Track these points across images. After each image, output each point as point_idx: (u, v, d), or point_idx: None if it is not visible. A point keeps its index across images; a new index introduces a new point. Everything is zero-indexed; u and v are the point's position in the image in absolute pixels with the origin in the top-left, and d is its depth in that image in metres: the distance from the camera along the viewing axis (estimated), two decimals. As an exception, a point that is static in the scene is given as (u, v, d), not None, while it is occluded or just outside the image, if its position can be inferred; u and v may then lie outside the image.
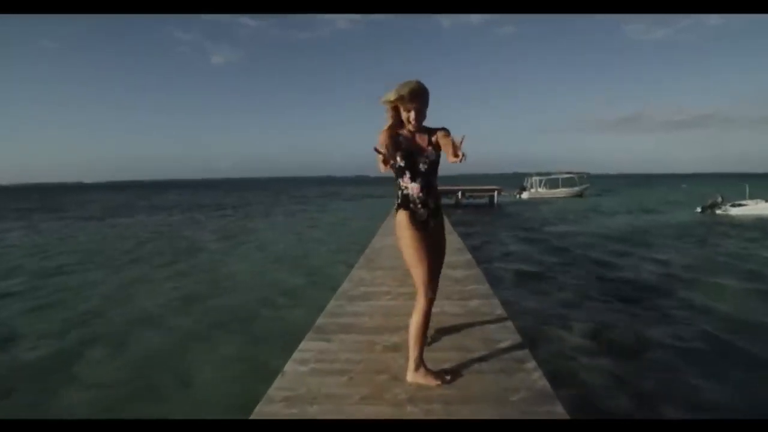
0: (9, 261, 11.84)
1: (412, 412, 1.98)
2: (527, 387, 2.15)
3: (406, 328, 2.79)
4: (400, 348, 2.61)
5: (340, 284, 4.33)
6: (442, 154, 2.22)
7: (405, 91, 2.11)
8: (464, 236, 8.69)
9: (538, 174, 36.93)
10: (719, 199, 21.07)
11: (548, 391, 2.11)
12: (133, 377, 4.66)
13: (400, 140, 2.21)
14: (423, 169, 2.22)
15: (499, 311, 3.27)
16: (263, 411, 2.03)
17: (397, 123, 2.24)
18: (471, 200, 28.09)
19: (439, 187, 2.37)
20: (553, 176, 36.86)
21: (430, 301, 2.22)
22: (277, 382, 2.28)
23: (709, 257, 10.72)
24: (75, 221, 23.61)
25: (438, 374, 2.26)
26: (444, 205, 2.58)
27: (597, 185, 44.47)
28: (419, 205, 2.25)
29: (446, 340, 2.77)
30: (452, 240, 5.18)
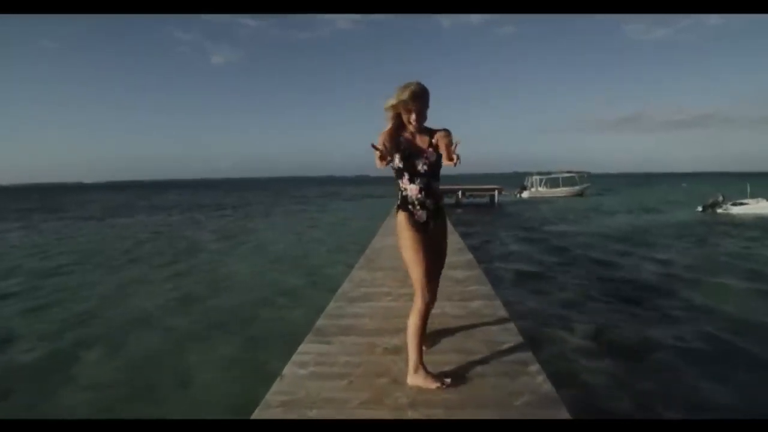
0: (8, 261, 11.80)
1: (413, 417, 1.94)
2: (531, 391, 2.11)
3: (407, 329, 2.75)
4: (400, 350, 2.57)
5: (339, 285, 4.29)
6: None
7: (405, 95, 2.10)
8: (464, 236, 8.66)
9: (539, 173, 36.88)
10: (720, 198, 21.00)
11: (553, 395, 2.07)
12: (131, 378, 4.62)
13: (400, 141, 2.20)
14: (422, 171, 2.21)
15: (502, 312, 3.22)
16: (261, 416, 1.98)
17: (399, 125, 2.22)
18: (471, 199, 28.05)
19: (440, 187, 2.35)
20: (553, 175, 36.80)
21: (427, 304, 2.20)
22: (276, 386, 2.24)
23: (710, 257, 10.68)
24: (75, 221, 23.58)
25: (439, 377, 2.22)
26: (444, 204, 2.54)
27: (597, 184, 44.41)
28: (418, 207, 2.25)
29: (448, 342, 2.73)
30: (453, 240, 5.13)
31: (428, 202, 2.25)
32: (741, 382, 4.29)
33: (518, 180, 42.95)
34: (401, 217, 2.27)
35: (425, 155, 2.21)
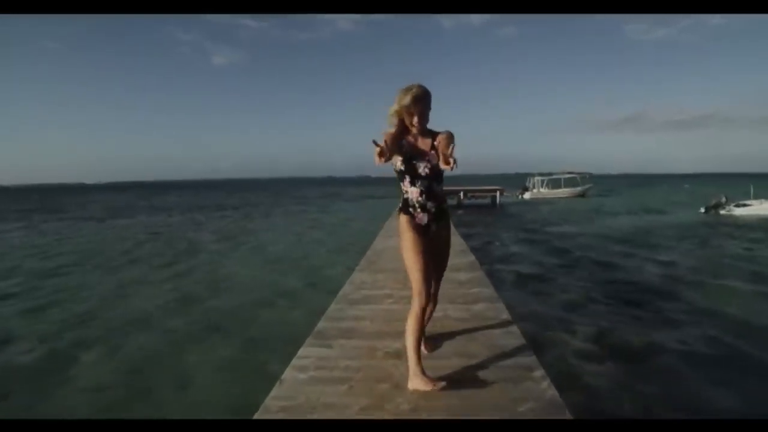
0: (8, 261, 11.78)
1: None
2: (535, 397, 2.05)
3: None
4: (401, 354, 2.52)
5: (340, 286, 4.25)
6: None
7: (406, 99, 2.11)
8: (466, 237, 8.61)
9: (540, 174, 36.80)
10: (723, 200, 20.91)
11: (557, 401, 2.01)
12: (129, 380, 4.59)
13: (402, 144, 2.20)
14: (424, 174, 2.21)
15: (505, 315, 3.17)
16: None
17: (403, 128, 2.22)
18: (473, 200, 27.99)
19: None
20: (555, 176, 36.72)
21: (423, 306, 2.18)
22: (275, 391, 2.19)
23: (713, 258, 10.60)
24: (75, 222, 23.58)
25: (439, 381, 2.17)
26: (448, 206, 2.50)
27: (599, 185, 44.30)
28: (419, 209, 2.25)
29: (450, 346, 2.67)
30: (455, 241, 5.08)
31: (429, 204, 2.25)
32: (745, 386, 4.23)
33: (520, 181, 42.87)
34: (402, 219, 2.28)
35: (427, 158, 2.19)
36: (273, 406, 2.05)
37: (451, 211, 2.48)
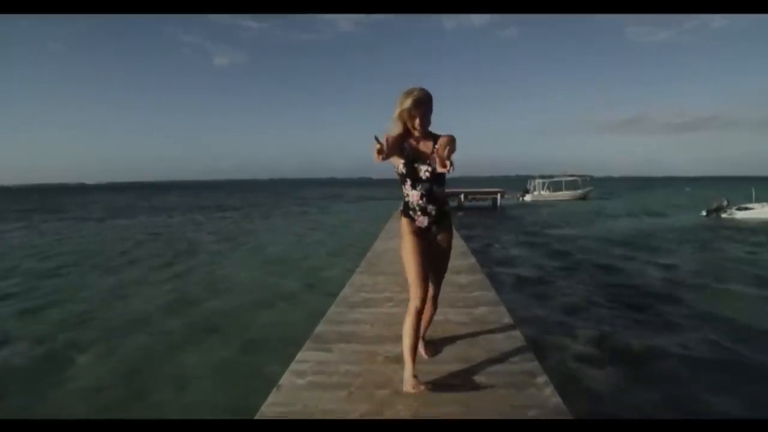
0: (8, 261, 11.74)
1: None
2: (539, 404, 2.01)
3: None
4: (402, 360, 2.47)
5: (339, 288, 4.21)
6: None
7: (407, 103, 2.10)
8: (466, 239, 8.55)
9: (541, 176, 36.74)
10: (725, 203, 20.84)
11: (562, 409, 1.97)
12: (126, 381, 4.54)
13: (404, 146, 2.20)
14: (425, 177, 2.21)
15: (507, 319, 3.12)
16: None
17: (406, 132, 2.21)
18: (474, 203, 27.93)
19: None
20: (556, 179, 36.66)
21: (419, 309, 2.19)
22: (272, 397, 2.14)
23: (715, 262, 10.55)
24: (75, 222, 23.55)
25: (435, 383, 2.16)
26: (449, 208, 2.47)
27: (600, 188, 44.25)
28: (419, 212, 2.26)
29: (451, 351, 2.63)
30: (456, 244, 5.03)
31: (430, 207, 2.25)
32: (746, 391, 4.18)
33: (521, 183, 42.81)
34: (403, 222, 2.31)
35: (428, 161, 2.19)
36: (270, 413, 2.00)
37: (451, 213, 2.45)
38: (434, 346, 2.66)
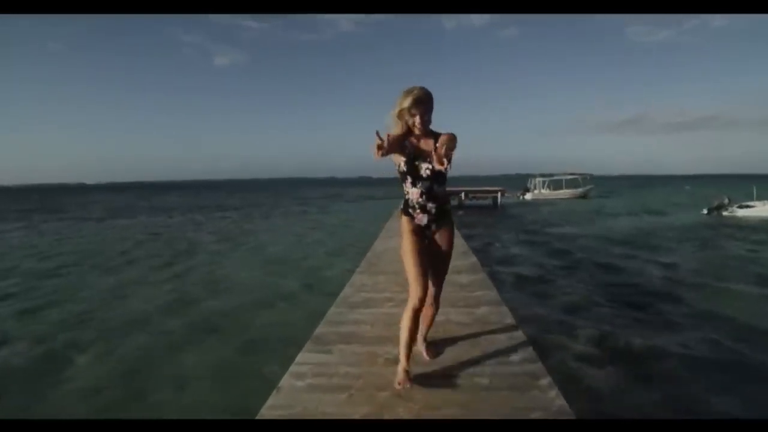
0: (8, 261, 11.71)
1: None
2: (543, 407, 1.97)
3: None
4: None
5: (339, 288, 4.17)
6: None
7: (407, 102, 2.11)
8: (467, 238, 8.52)
9: (542, 175, 36.70)
10: (726, 201, 20.79)
11: (566, 412, 1.94)
12: (124, 382, 4.52)
13: (405, 145, 2.21)
14: (425, 175, 2.21)
15: (509, 320, 3.09)
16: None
17: (407, 130, 2.22)
18: (474, 201, 27.88)
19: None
20: (556, 177, 36.62)
21: (416, 307, 2.19)
22: (272, 399, 2.11)
23: (716, 260, 10.50)
24: (75, 222, 23.51)
25: (436, 385, 2.16)
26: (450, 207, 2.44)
27: (600, 186, 44.18)
28: (418, 210, 2.27)
29: (452, 352, 2.59)
30: (456, 243, 4.98)
31: (430, 205, 2.25)
32: (747, 391, 4.15)
33: (521, 182, 42.75)
34: (403, 220, 2.32)
35: (429, 159, 2.19)
36: (269, 416, 1.97)
37: (452, 212, 2.42)
38: (435, 347, 2.62)
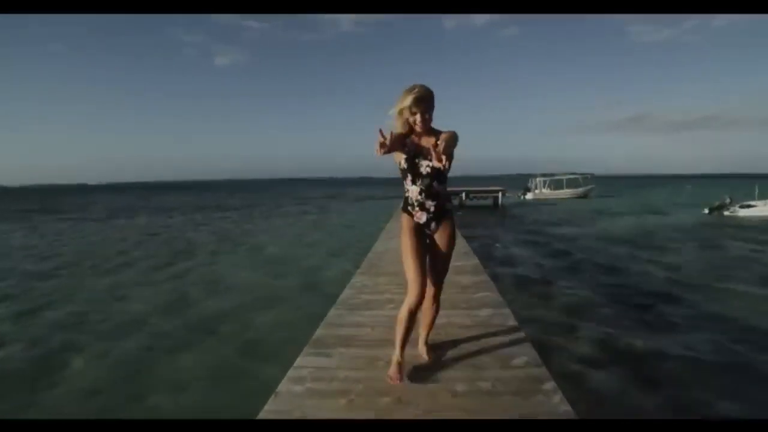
0: (6, 262, 11.68)
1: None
2: (547, 412, 1.92)
3: (412, 340, 2.57)
4: (404, 365, 2.39)
5: (340, 288, 4.12)
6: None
7: (407, 100, 2.10)
8: (467, 238, 8.46)
9: (543, 175, 36.65)
10: (727, 200, 20.73)
11: (572, 417, 1.88)
12: (120, 384, 4.50)
13: (407, 142, 2.21)
14: (425, 172, 2.21)
15: (512, 322, 3.03)
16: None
17: (408, 129, 2.21)
18: (475, 201, 27.84)
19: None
20: (557, 177, 36.56)
21: (414, 304, 2.18)
22: (270, 405, 2.06)
23: (718, 260, 10.47)
24: (75, 223, 23.48)
25: (438, 390, 2.12)
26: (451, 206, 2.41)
27: (601, 186, 44.10)
28: (417, 208, 2.27)
29: (455, 356, 2.54)
30: (458, 243, 4.94)
31: (428, 203, 2.24)
32: (750, 392, 4.12)
33: (522, 182, 42.69)
34: (403, 218, 2.33)
35: (429, 157, 2.16)
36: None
37: (453, 211, 2.39)
38: (437, 350, 2.58)
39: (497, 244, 12.96)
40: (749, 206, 19.78)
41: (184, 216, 26.39)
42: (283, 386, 2.22)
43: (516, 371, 2.32)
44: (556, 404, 1.99)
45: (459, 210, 23.23)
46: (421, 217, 2.27)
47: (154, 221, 23.44)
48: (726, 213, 19.90)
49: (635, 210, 24.92)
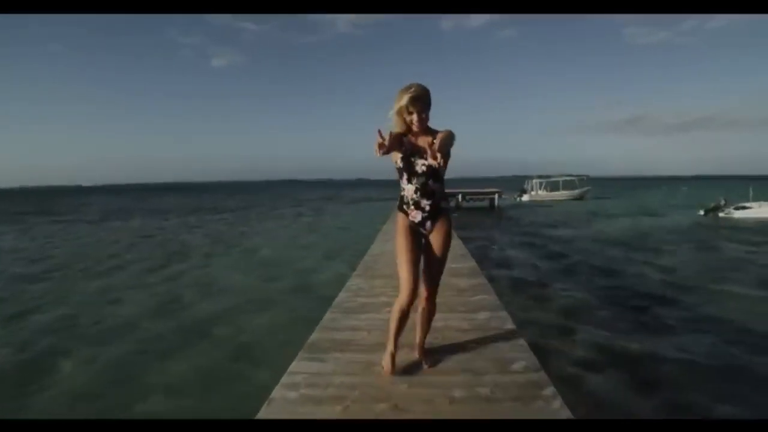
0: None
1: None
2: (547, 418, 1.88)
3: (409, 345, 2.53)
4: (401, 371, 2.35)
5: (333, 291, 4.07)
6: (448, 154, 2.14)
7: (404, 100, 2.09)
8: (464, 240, 8.43)
9: (539, 177, 36.72)
10: (722, 202, 20.83)
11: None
12: (111, 387, 4.43)
13: (404, 141, 2.19)
14: (420, 171, 2.20)
15: (510, 326, 2.99)
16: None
17: (406, 128, 2.20)
18: (471, 203, 27.85)
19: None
20: (553, 179, 36.65)
21: (406, 302, 2.19)
22: (263, 412, 2.00)
23: (713, 262, 10.47)
24: (69, 225, 23.28)
25: (435, 396, 2.07)
26: (447, 206, 2.37)
27: (597, 188, 44.28)
28: (412, 207, 2.25)
29: (452, 360, 2.49)
30: (454, 245, 4.91)
31: (424, 202, 2.23)
32: (746, 394, 4.10)
33: (518, 183, 42.77)
34: (398, 216, 2.32)
35: (426, 156, 2.13)
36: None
37: (449, 211, 2.36)
38: (434, 355, 2.53)
39: (493, 246, 12.94)
40: (744, 208, 19.87)
41: (179, 218, 26.22)
42: (276, 393, 2.16)
43: (515, 376, 2.27)
44: (557, 410, 1.94)
45: (455, 211, 23.21)
46: (416, 216, 2.25)
47: (149, 223, 23.27)
48: (721, 215, 19.99)
49: (631, 212, 25.00)
